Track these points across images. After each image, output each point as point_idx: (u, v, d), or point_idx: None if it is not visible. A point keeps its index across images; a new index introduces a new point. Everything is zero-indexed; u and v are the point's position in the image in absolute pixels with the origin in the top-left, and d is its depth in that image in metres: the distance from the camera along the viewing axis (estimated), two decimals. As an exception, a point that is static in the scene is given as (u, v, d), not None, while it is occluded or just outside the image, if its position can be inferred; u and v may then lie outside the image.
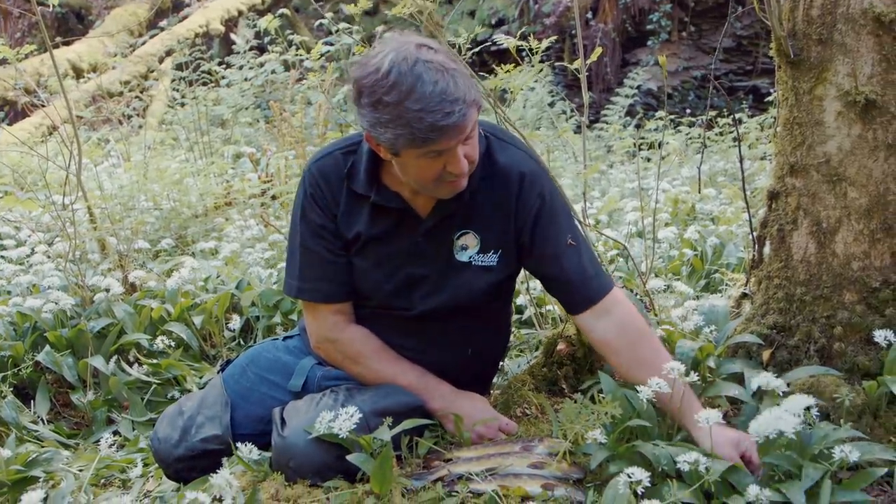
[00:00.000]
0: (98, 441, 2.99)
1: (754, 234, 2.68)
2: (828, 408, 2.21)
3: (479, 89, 2.18)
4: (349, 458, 2.04)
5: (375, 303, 2.42)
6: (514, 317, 3.44)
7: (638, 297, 3.07)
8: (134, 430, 3.27)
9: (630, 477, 1.80)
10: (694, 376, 2.11)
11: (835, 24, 2.27)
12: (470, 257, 2.34)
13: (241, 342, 3.95)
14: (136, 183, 6.03)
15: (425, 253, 2.34)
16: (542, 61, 3.22)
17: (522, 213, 2.31)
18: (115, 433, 3.22)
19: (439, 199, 2.25)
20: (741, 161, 3.17)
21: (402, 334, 2.44)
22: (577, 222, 2.47)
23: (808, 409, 1.95)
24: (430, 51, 1.99)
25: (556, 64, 3.92)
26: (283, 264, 4.45)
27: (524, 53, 3.27)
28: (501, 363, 2.98)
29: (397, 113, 1.94)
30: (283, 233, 4.67)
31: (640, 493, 1.79)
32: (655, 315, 3.06)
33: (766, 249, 2.59)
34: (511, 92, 3.24)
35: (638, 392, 2.09)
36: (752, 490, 1.83)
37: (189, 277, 4.08)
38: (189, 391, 3.39)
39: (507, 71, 3.17)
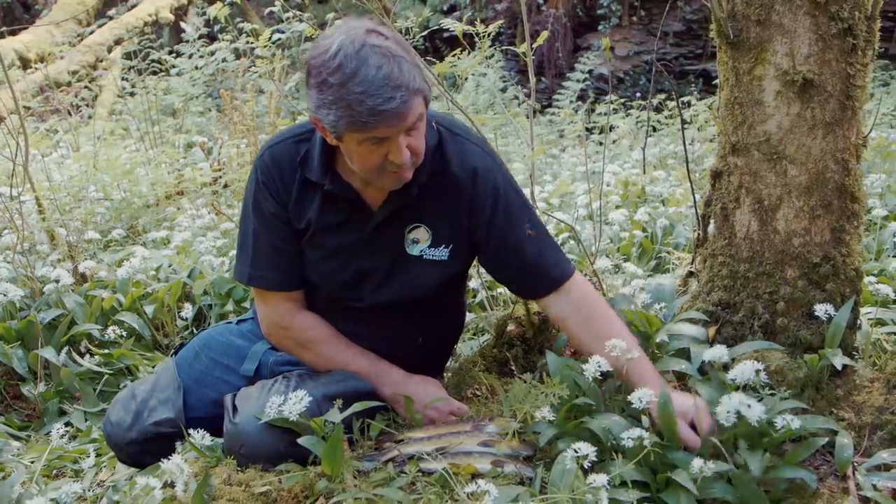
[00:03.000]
0: (50, 433, 2.97)
1: (699, 213, 2.73)
2: (772, 382, 2.26)
3: (428, 78, 2.16)
4: (300, 440, 2.04)
5: (325, 293, 2.42)
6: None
7: (587, 277, 3.10)
8: (86, 420, 3.26)
9: (577, 452, 1.82)
10: (635, 352, 2.14)
11: (773, 5, 2.30)
12: (421, 251, 2.34)
13: (194, 331, 3.93)
14: (86, 173, 5.96)
15: (376, 246, 2.33)
16: (491, 46, 3.23)
17: (476, 210, 2.30)
18: (68, 424, 3.20)
19: (390, 191, 2.24)
20: (685, 143, 3.21)
21: (354, 323, 2.44)
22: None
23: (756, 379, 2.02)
24: (379, 36, 1.99)
25: (505, 48, 3.94)
26: (235, 252, 4.46)
27: (476, 39, 3.28)
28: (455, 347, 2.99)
29: (340, 95, 1.93)
30: (234, 221, 4.65)
31: (587, 467, 1.82)
32: (605, 295, 3.10)
33: (711, 228, 2.63)
34: (459, 76, 3.25)
35: (583, 372, 2.12)
36: (696, 464, 1.86)
37: (140, 267, 4.05)
38: (142, 381, 3.37)
39: (455, 55, 3.18)
